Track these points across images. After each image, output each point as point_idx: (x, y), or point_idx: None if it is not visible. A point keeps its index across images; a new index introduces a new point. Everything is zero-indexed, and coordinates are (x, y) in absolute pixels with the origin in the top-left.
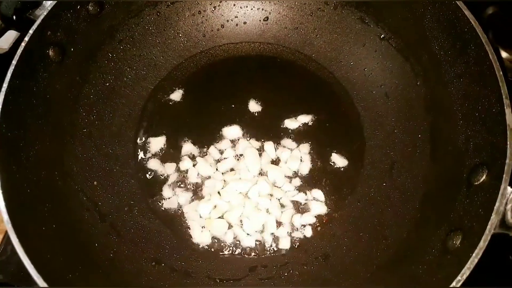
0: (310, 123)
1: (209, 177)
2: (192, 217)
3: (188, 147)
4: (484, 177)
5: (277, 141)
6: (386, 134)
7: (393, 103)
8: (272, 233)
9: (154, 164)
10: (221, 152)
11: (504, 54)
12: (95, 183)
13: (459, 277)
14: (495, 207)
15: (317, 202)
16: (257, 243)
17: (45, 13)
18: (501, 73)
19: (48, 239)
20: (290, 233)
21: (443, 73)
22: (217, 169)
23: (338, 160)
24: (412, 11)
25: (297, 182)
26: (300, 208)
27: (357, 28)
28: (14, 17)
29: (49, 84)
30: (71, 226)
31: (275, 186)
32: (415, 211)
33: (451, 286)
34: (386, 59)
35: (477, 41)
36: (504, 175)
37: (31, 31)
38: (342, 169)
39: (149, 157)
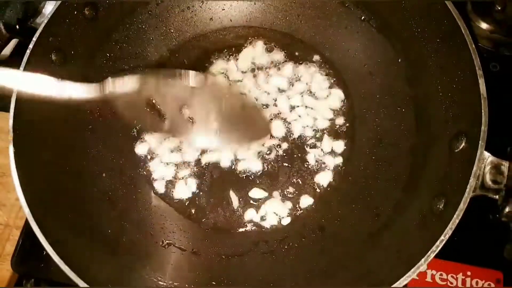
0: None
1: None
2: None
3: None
4: (463, 144)
5: None
6: (373, 110)
7: (377, 81)
8: (274, 212)
9: (156, 160)
10: None
11: (484, 25)
12: (103, 175)
13: (442, 237)
14: (473, 171)
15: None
16: (258, 220)
17: (45, 21)
18: (473, 46)
19: (65, 227)
20: (290, 209)
21: (422, 50)
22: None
23: (331, 141)
24: None
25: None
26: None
27: (338, 12)
28: (17, 26)
29: None
30: (84, 215)
31: None
32: (402, 181)
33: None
34: (367, 39)
35: (450, 16)
36: (480, 141)
37: (34, 39)
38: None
39: (151, 151)
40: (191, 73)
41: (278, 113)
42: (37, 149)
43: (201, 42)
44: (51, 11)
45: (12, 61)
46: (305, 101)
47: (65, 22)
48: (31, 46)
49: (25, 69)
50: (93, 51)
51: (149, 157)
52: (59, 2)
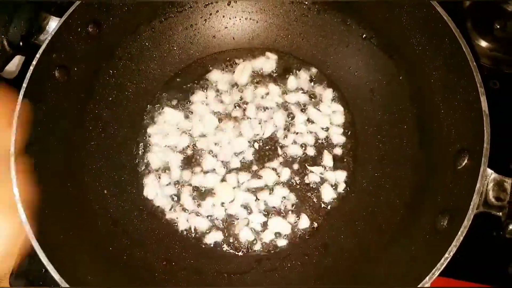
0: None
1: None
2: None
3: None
4: (466, 161)
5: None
6: (375, 127)
7: (378, 99)
8: (277, 232)
9: (154, 176)
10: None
11: (484, 43)
12: (105, 191)
13: (446, 255)
14: (476, 188)
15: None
16: (260, 239)
17: (49, 38)
18: (474, 63)
19: (67, 245)
20: (292, 228)
21: (423, 67)
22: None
23: (333, 159)
24: (390, 11)
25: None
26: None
27: (340, 30)
28: (21, 43)
29: (57, 102)
30: (86, 232)
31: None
32: (406, 198)
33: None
34: (369, 57)
35: (451, 35)
36: (483, 158)
37: (38, 55)
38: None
39: (152, 169)
40: None
41: (278, 130)
42: (38, 164)
43: (204, 59)
44: (55, 28)
45: (16, 78)
46: (307, 118)
47: (68, 39)
48: (34, 62)
49: (28, 85)
50: (96, 68)
51: (151, 175)
52: (63, 19)
